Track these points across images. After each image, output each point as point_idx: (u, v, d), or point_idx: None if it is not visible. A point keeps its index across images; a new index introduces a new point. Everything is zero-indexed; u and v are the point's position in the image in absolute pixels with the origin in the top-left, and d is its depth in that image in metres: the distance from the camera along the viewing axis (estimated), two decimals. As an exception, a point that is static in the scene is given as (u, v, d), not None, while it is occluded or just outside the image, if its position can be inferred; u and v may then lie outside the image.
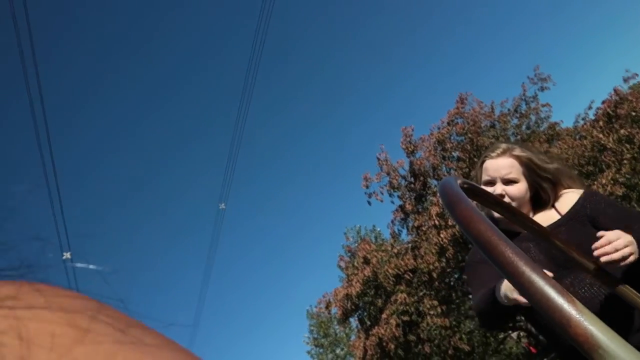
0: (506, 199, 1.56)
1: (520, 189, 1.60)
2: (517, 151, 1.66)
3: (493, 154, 1.66)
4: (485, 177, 1.64)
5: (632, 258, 1.26)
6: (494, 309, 1.39)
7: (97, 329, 0.18)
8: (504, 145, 1.68)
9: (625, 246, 1.25)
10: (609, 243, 1.26)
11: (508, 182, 1.61)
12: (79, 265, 0.25)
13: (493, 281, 1.44)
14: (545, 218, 1.59)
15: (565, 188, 1.67)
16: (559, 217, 1.59)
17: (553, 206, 1.64)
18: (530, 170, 1.62)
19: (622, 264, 1.26)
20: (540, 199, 1.66)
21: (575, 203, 1.58)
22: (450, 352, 12.70)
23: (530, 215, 1.64)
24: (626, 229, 1.33)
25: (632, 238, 1.29)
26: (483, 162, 1.68)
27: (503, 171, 1.61)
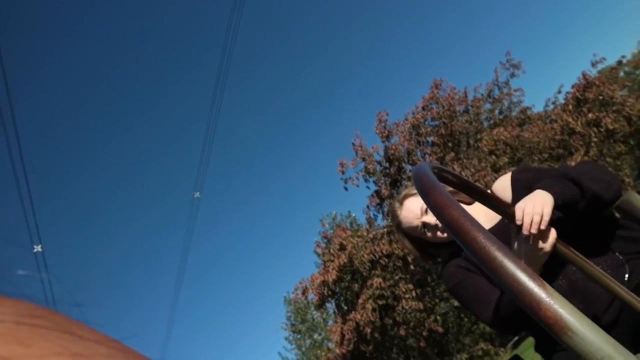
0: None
1: None
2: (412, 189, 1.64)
3: (399, 206, 1.63)
4: (421, 226, 1.58)
5: (547, 211, 1.17)
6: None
7: (40, 341, 0.16)
8: (402, 193, 1.67)
9: (534, 208, 1.17)
10: (524, 217, 1.18)
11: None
12: (22, 272, 0.23)
13: (493, 288, 1.40)
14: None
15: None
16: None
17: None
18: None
19: (544, 220, 1.16)
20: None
21: (513, 187, 1.53)
22: (425, 333, 12.93)
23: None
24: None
25: (534, 196, 1.22)
26: (399, 223, 1.64)
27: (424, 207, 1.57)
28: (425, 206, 1.53)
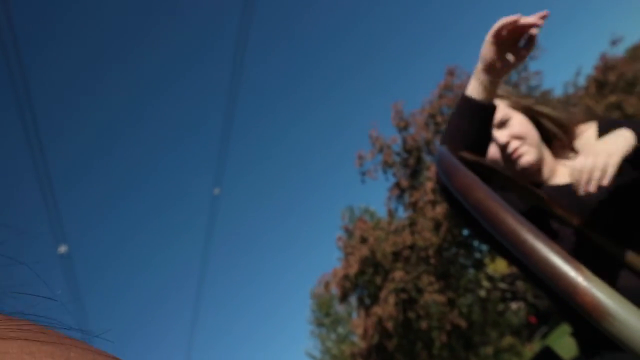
0: (515, 143, 1.27)
1: (520, 121, 1.30)
2: None
3: None
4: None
5: (613, 161, 0.98)
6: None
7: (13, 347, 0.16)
8: None
9: (595, 163, 0.98)
10: (582, 173, 1.00)
11: (501, 125, 1.30)
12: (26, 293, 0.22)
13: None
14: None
15: (580, 122, 1.34)
16: None
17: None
18: (514, 101, 1.34)
19: (606, 178, 0.98)
20: (549, 138, 1.35)
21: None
22: (448, 327, 12.83)
23: (553, 161, 1.34)
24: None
25: (598, 148, 1.02)
26: None
27: None
28: (501, 119, 1.29)
